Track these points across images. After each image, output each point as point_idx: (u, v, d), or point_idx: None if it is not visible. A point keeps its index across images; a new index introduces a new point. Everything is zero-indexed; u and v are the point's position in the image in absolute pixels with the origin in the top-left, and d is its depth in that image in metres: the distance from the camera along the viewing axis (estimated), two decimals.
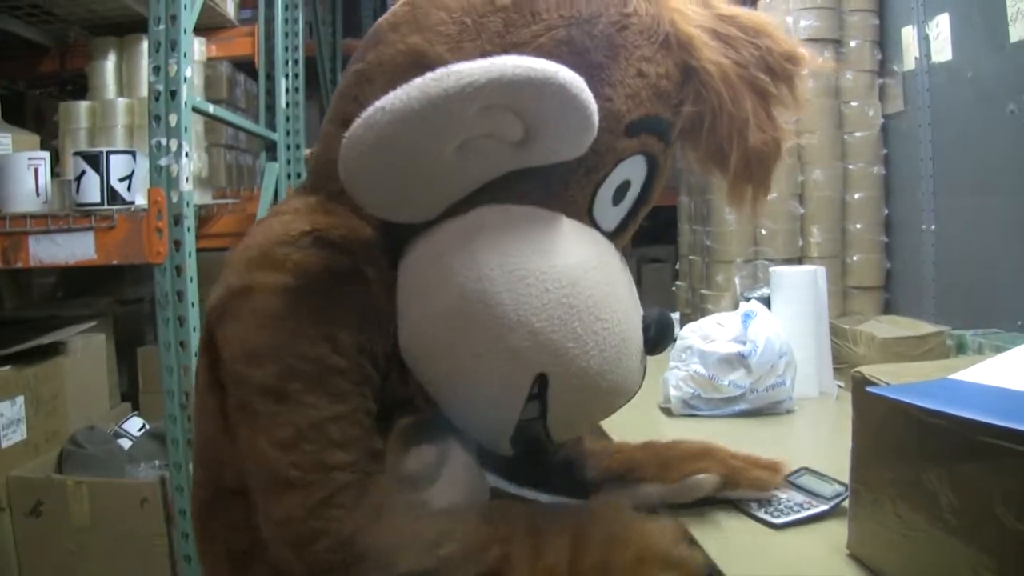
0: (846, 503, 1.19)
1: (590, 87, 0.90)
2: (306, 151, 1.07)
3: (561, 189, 1.02)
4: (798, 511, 1.29)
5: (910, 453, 0.95)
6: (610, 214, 1.09)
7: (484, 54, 0.94)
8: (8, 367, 2.46)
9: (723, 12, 1.09)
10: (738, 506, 1.33)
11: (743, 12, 1.11)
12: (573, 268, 0.98)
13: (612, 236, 1.10)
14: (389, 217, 0.99)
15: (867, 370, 1.04)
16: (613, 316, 1.00)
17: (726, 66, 1.05)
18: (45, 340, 2.62)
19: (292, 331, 0.96)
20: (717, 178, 1.14)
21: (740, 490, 1.33)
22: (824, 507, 1.28)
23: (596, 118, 0.93)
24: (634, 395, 1.10)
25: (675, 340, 1.15)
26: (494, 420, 1.04)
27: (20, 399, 2.48)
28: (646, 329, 1.07)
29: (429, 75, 0.84)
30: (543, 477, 1.31)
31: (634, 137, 1.04)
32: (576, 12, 1.00)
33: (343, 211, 1.03)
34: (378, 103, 0.85)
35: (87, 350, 2.89)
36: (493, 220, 0.99)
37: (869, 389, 0.98)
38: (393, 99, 0.85)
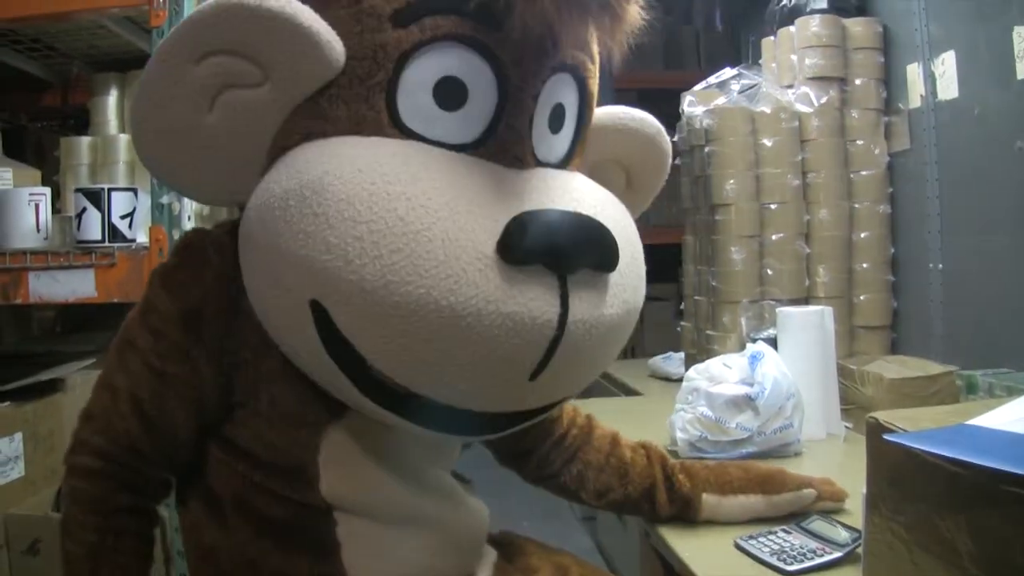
0: (860, 550, 1.16)
1: None
2: None
3: (363, 108, 0.95)
4: (812, 558, 1.26)
5: (927, 500, 0.92)
6: (553, 143, 1.04)
7: None
8: (6, 404, 2.43)
9: None
10: (751, 553, 1.30)
11: None
12: (319, 178, 0.89)
13: (564, 164, 1.06)
14: (198, 199, 1.07)
15: (882, 416, 1.02)
16: (388, 215, 0.86)
17: None
18: (44, 377, 2.59)
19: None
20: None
21: (821, 503, 1.41)
22: (838, 554, 1.26)
23: (320, 32, 0.91)
24: (514, 324, 0.89)
25: (559, 244, 0.91)
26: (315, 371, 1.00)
27: (18, 436, 2.45)
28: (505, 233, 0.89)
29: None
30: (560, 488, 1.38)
31: (412, 25, 0.93)
32: None
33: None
34: None
35: (86, 386, 2.82)
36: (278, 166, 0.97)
37: (885, 436, 0.95)
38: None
